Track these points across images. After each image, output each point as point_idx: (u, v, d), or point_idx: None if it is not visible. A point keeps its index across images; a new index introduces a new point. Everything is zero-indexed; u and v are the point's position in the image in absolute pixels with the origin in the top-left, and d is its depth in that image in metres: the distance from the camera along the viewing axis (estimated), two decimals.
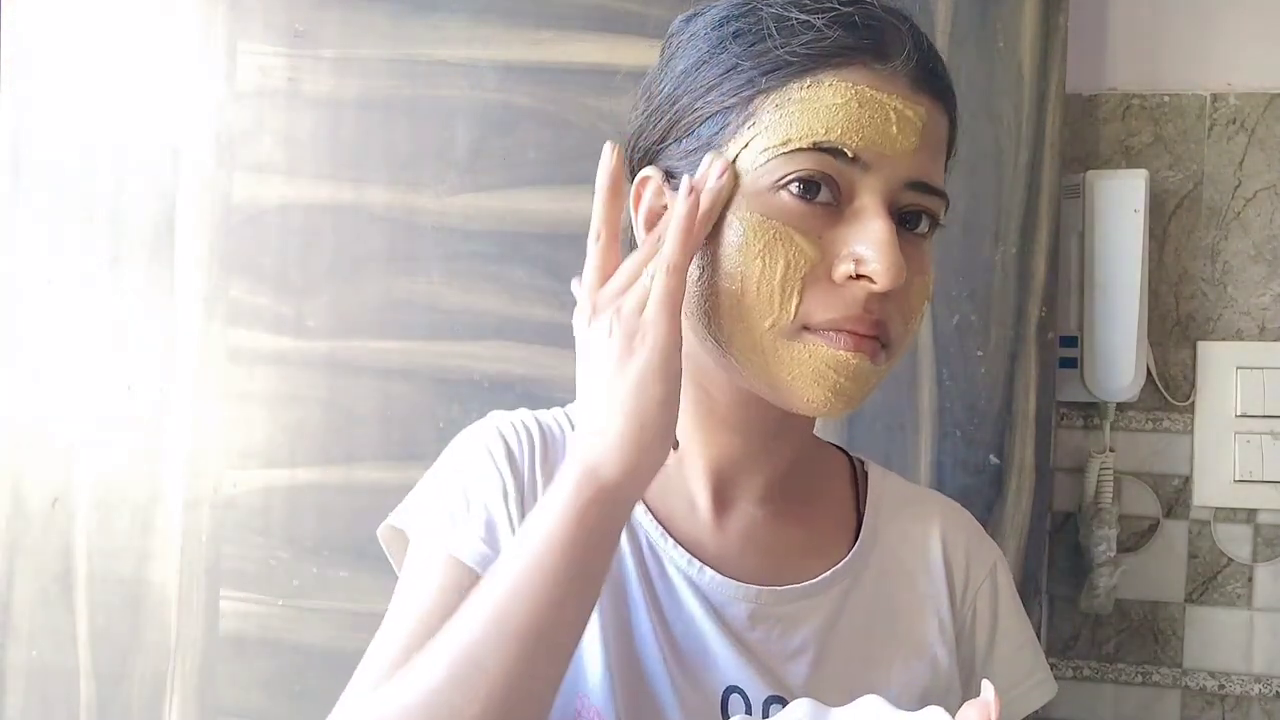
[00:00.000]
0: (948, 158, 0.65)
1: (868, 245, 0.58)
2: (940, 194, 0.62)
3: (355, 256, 1.07)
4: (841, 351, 0.59)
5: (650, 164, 0.66)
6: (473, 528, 0.66)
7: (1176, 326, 1.10)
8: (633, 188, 0.67)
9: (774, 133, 0.59)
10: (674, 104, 0.63)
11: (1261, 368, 1.07)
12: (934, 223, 0.63)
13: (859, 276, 0.58)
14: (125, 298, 1.10)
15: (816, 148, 0.58)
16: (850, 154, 0.58)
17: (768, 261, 0.58)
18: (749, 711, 0.64)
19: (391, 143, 1.06)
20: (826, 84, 0.58)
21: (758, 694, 0.65)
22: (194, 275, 1.09)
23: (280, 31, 1.08)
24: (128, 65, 1.11)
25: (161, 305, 1.10)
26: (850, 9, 0.60)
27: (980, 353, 1.00)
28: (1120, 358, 1.04)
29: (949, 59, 0.98)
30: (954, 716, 0.71)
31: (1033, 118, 0.99)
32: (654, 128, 0.65)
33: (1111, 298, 1.04)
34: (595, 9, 1.03)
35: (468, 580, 0.62)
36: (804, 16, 0.59)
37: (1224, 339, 1.09)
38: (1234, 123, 1.08)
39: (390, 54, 1.06)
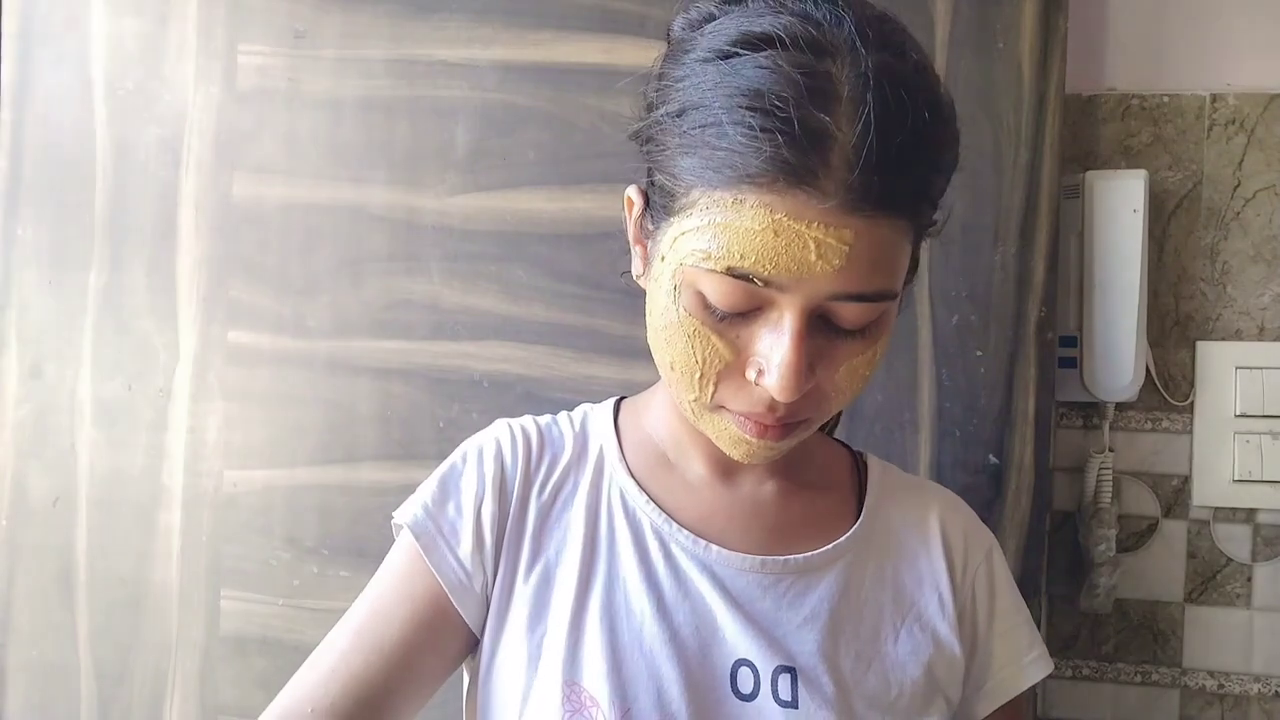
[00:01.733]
0: (916, 248, 0.63)
1: (770, 360, 0.59)
2: (875, 299, 0.59)
3: (355, 256, 1.07)
4: (749, 436, 0.63)
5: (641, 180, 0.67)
6: (454, 548, 0.70)
7: (1176, 326, 1.10)
8: (625, 196, 0.68)
9: (700, 238, 0.58)
10: (647, 142, 0.63)
11: (1261, 368, 1.07)
12: (873, 322, 0.61)
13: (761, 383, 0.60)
14: (124, 298, 1.10)
15: (730, 273, 0.57)
16: (761, 281, 0.57)
17: (689, 352, 0.61)
18: (758, 683, 0.66)
19: (391, 143, 1.06)
20: (748, 206, 0.56)
21: (766, 664, 0.66)
22: (193, 275, 1.09)
23: (280, 32, 1.08)
24: (128, 65, 1.11)
25: (161, 305, 1.10)
26: (789, 121, 0.54)
27: (980, 353, 1.00)
28: (1119, 358, 1.04)
29: (949, 59, 0.99)
30: (959, 694, 0.73)
31: (1032, 118, 1.00)
32: (640, 147, 0.65)
33: (1111, 298, 1.04)
34: (595, 9, 1.03)
35: (434, 598, 0.69)
36: (738, 124, 0.55)
37: (1223, 339, 1.09)
38: (1233, 123, 1.09)
39: (390, 54, 1.06)
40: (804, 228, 0.55)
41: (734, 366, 0.61)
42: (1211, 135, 1.09)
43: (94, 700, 1.09)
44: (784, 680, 0.66)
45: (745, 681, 0.66)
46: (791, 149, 0.54)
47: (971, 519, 0.79)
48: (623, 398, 0.79)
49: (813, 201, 0.55)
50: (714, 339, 0.60)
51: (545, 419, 0.77)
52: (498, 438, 0.74)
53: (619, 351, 1.03)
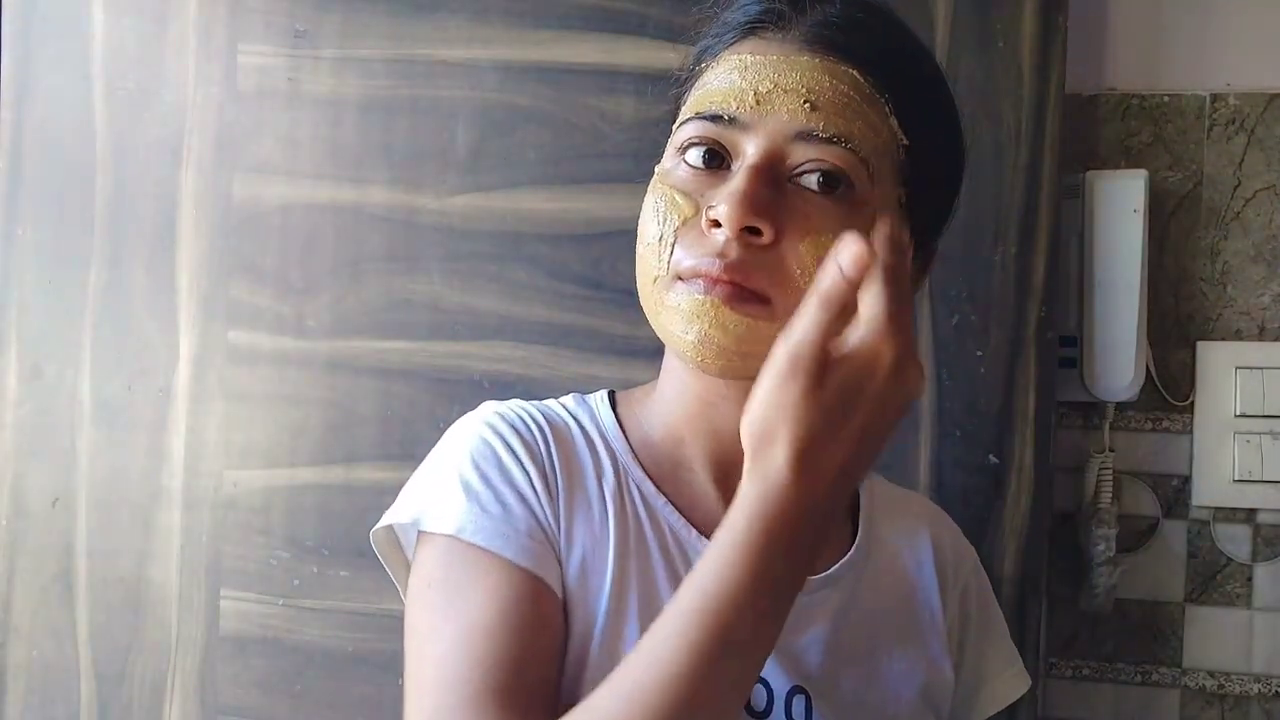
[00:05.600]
0: (904, 121, 0.63)
1: (721, 192, 0.60)
2: (836, 143, 0.60)
3: (355, 256, 1.07)
4: (698, 295, 0.60)
5: None
6: (514, 524, 0.63)
7: (1176, 326, 1.10)
8: None
9: (681, 112, 0.66)
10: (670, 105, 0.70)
11: (1261, 368, 1.07)
12: (842, 181, 0.61)
13: (716, 224, 0.60)
14: (125, 298, 1.10)
15: (699, 116, 0.63)
16: (727, 117, 0.62)
17: (653, 219, 0.63)
18: (771, 702, 0.65)
19: (392, 143, 1.06)
20: (722, 61, 0.64)
21: (781, 685, 0.65)
22: (194, 275, 1.09)
23: (281, 32, 1.08)
24: (128, 65, 1.11)
25: (161, 305, 1.10)
26: None
27: (980, 353, 1.00)
28: (1120, 358, 1.04)
29: (949, 60, 0.99)
30: (947, 711, 0.73)
31: (1032, 118, 0.99)
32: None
33: (1111, 298, 1.04)
34: (595, 9, 1.03)
35: (522, 582, 0.61)
36: (727, 11, 0.66)
37: (1223, 339, 1.09)
38: (1233, 123, 1.09)
39: (390, 54, 1.06)
40: (765, 59, 0.62)
41: (693, 222, 0.62)
42: (1211, 135, 1.09)
43: (94, 700, 1.09)
44: (798, 702, 0.65)
45: (759, 699, 0.65)
46: (765, 5, 0.64)
47: (958, 534, 0.79)
48: (613, 391, 0.76)
49: (775, 39, 0.63)
50: (677, 197, 0.62)
51: (535, 403, 0.71)
52: (514, 426, 0.68)
53: (619, 351, 1.03)
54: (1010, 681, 0.78)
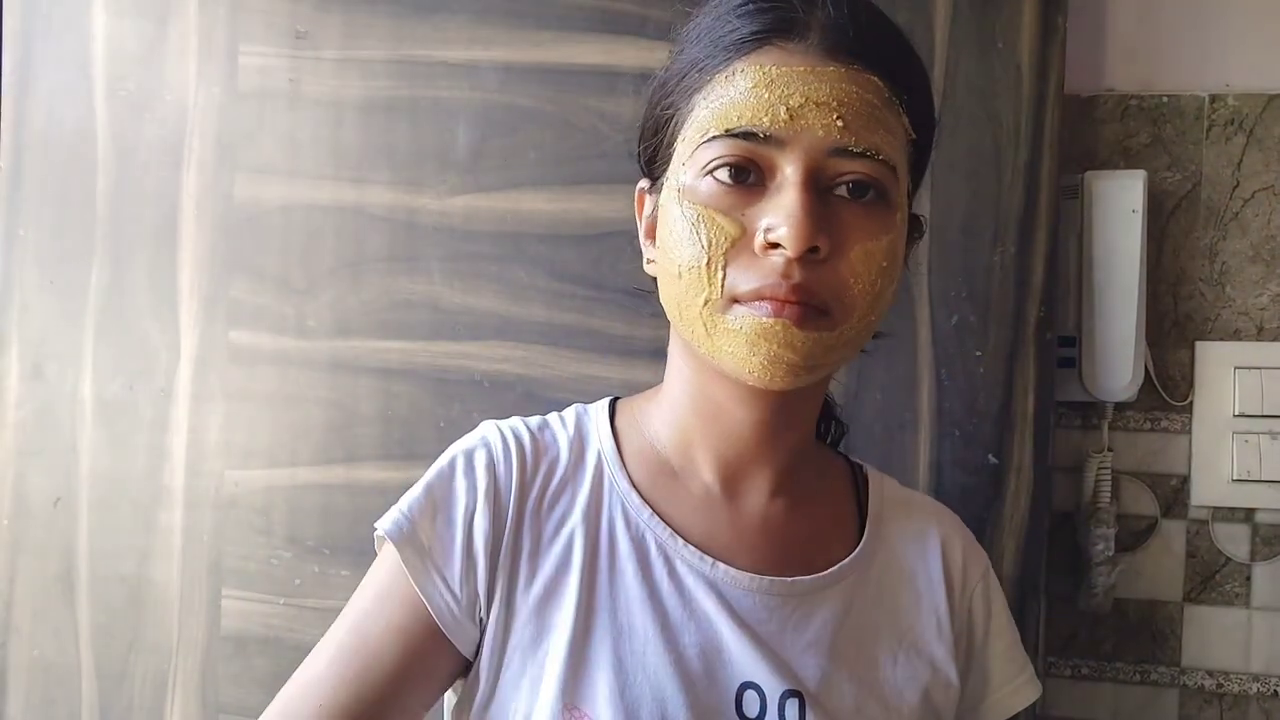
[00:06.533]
0: (913, 117, 0.65)
1: (777, 214, 0.60)
2: (869, 156, 0.61)
3: (356, 257, 1.07)
4: (765, 319, 0.61)
5: (646, 174, 0.71)
6: (445, 572, 0.67)
7: (1174, 327, 1.10)
8: (635, 195, 0.72)
9: (698, 126, 0.63)
10: (651, 109, 0.69)
11: (1259, 368, 1.08)
12: (873, 188, 0.62)
13: (774, 245, 0.60)
14: (125, 298, 1.10)
15: (729, 134, 0.62)
16: (762, 134, 0.61)
17: (695, 241, 0.62)
18: (764, 707, 0.65)
19: (392, 143, 1.07)
20: (740, 72, 0.62)
21: (773, 689, 0.65)
22: (195, 275, 1.10)
23: (281, 32, 1.08)
24: (129, 66, 1.11)
25: (163, 305, 1.10)
26: None
27: (979, 353, 1.00)
28: (1118, 358, 1.05)
29: (949, 59, 0.99)
30: (951, 717, 0.72)
31: (1031, 118, 1.00)
32: (645, 134, 0.70)
33: (1110, 298, 1.05)
34: (596, 10, 1.03)
35: (426, 631, 0.66)
36: (725, 15, 0.64)
37: (1222, 339, 1.09)
38: (1232, 123, 1.09)
39: (391, 55, 1.06)
40: (790, 72, 0.61)
41: (742, 244, 0.61)
42: (1210, 135, 1.09)
43: (95, 700, 1.10)
44: (791, 705, 0.65)
45: (751, 705, 0.65)
46: (778, 11, 0.62)
47: (969, 538, 0.79)
48: (616, 398, 0.77)
49: (798, 49, 0.62)
50: (718, 218, 0.62)
51: (535, 421, 0.73)
52: (488, 443, 0.70)
53: (619, 351, 1.03)
54: (1020, 689, 0.77)
